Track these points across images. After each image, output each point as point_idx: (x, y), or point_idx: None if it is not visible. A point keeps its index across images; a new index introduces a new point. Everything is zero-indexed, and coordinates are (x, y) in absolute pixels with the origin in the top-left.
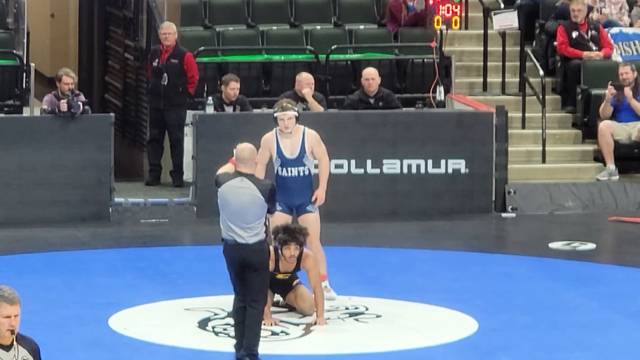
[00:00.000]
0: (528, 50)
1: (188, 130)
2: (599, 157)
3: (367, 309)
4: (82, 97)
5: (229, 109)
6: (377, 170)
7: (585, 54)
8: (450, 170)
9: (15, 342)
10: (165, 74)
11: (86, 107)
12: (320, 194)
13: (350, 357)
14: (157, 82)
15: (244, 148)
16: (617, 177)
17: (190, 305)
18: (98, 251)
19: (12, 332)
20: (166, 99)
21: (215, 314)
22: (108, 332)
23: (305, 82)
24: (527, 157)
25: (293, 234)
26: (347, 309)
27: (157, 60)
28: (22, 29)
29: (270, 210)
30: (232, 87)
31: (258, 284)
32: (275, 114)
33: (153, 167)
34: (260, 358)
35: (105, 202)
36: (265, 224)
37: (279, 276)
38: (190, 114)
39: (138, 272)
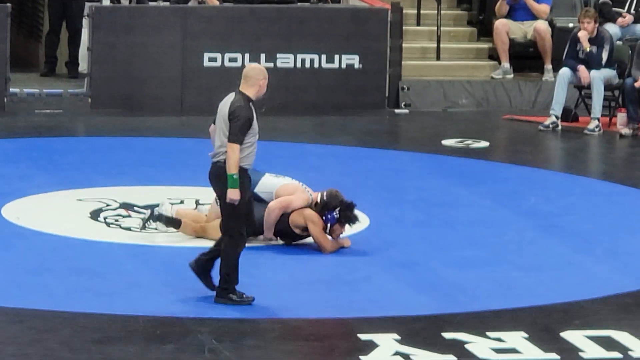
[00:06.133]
0: None
1: (84, 22)
2: (493, 55)
3: None
4: None
5: (125, 1)
6: (271, 65)
7: None
8: (344, 66)
9: None
10: None
11: None
12: None
13: None
14: None
15: (253, 67)
16: (512, 75)
17: (82, 196)
18: None
19: None
20: None
21: (108, 205)
22: (1, 221)
23: None
24: (422, 54)
25: None
26: None
27: None
28: None
29: (230, 139)
30: None
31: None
32: None
33: (49, 58)
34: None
35: (0, 92)
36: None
37: None
38: (87, 6)
39: (32, 162)
